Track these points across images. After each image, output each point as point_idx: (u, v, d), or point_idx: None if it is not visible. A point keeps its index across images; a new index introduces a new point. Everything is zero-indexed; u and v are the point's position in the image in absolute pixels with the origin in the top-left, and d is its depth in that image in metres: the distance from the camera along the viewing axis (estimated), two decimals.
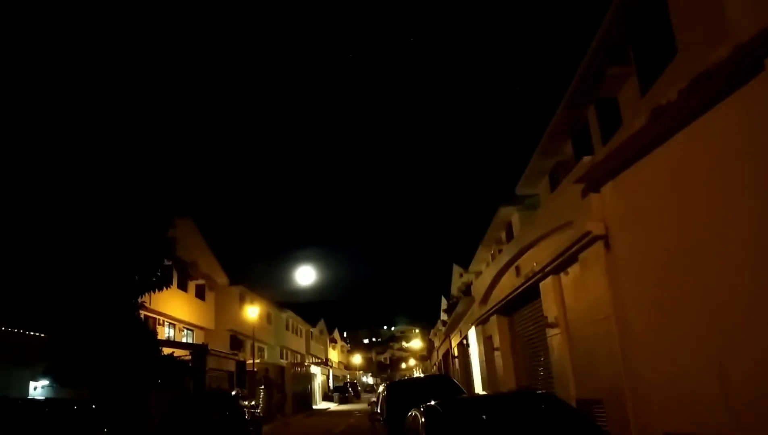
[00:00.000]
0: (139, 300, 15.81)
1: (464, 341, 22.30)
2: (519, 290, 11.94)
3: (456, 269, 46.21)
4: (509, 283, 12.91)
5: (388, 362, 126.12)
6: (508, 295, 12.77)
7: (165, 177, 17.59)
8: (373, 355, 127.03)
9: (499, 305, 13.83)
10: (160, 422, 16.42)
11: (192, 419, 16.91)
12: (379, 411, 12.66)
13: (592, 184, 7.90)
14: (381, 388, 18.01)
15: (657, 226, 6.52)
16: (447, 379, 13.11)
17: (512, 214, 25.53)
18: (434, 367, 52.73)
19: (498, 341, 14.26)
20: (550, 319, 9.98)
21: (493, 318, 14.65)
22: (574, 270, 9.01)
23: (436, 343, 67.62)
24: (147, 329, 17.16)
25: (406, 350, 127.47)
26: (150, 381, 15.93)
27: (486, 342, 16.13)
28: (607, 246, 7.68)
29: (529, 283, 11.02)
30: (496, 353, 14.45)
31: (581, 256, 8.48)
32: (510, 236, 26.59)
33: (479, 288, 16.78)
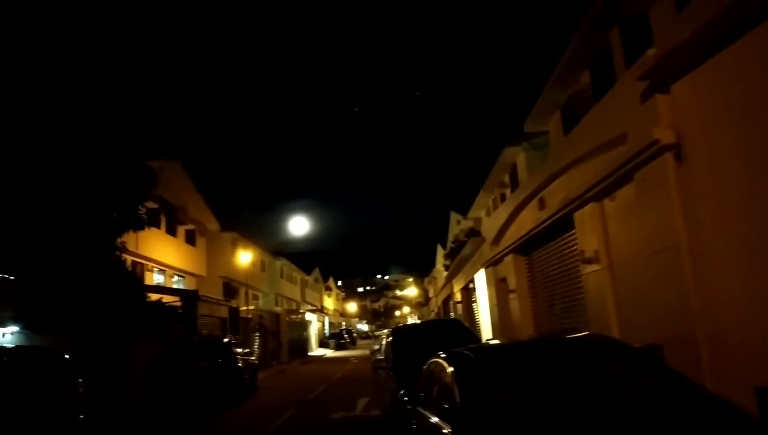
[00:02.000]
0: (120, 240, 14.24)
1: (470, 285, 21.14)
2: (543, 225, 10.58)
3: (454, 216, 44.99)
4: (531, 217, 11.53)
5: (382, 310, 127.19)
6: (529, 232, 11.42)
7: (143, 107, 15.79)
8: (367, 303, 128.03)
9: (516, 244, 12.51)
10: (148, 372, 15.36)
11: (181, 369, 15.84)
12: (383, 358, 11.50)
13: (660, 82, 6.35)
14: (385, 334, 16.93)
15: (754, 133, 5.03)
16: (457, 324, 11.92)
17: (517, 156, 23.83)
18: (432, 314, 52.26)
19: (514, 283, 13.02)
20: (588, 254, 8.63)
21: (509, 258, 13.36)
22: (625, 193, 7.58)
23: (431, 292, 67.52)
24: (129, 273, 15.72)
25: (400, 298, 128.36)
26: (134, 328, 14.66)
27: (498, 285, 14.91)
28: (679, 159, 6.21)
29: (559, 214, 9.62)
30: (511, 296, 13.23)
31: (639, 174, 7.02)
32: (514, 179, 25.07)
33: (491, 227, 15.46)
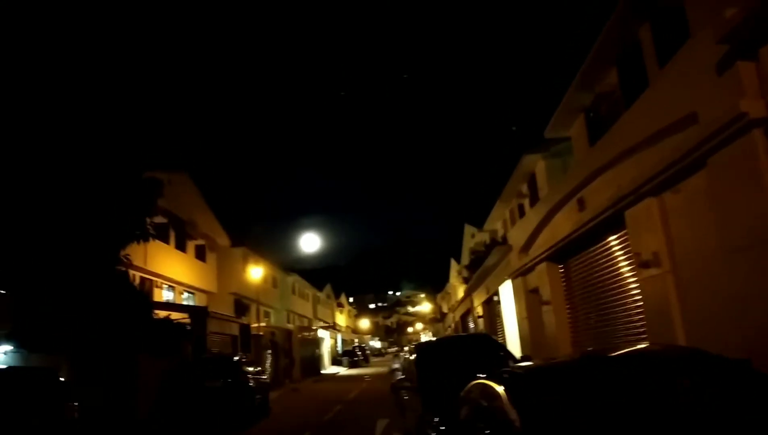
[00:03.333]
0: (123, 253, 13.29)
1: (494, 298, 19.97)
2: (584, 228, 9.55)
3: (468, 229, 43.87)
4: (568, 220, 10.50)
5: (394, 326, 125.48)
6: (566, 236, 10.38)
7: (151, 117, 14.99)
8: (379, 319, 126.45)
9: (550, 250, 11.47)
10: (155, 391, 14.41)
11: (189, 388, 14.87)
12: (404, 377, 10.45)
13: (743, 46, 5.38)
14: (406, 351, 15.84)
15: None
16: (486, 339, 10.85)
17: (537, 164, 22.73)
18: (448, 330, 50.84)
19: (548, 293, 11.93)
20: (645, 257, 7.58)
21: (541, 267, 12.30)
22: (693, 183, 6.57)
23: (445, 307, 66.08)
24: (134, 287, 14.81)
25: (412, 314, 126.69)
26: (140, 346, 13.73)
27: (528, 296, 13.81)
28: None
29: (605, 214, 8.60)
30: (545, 308, 12.13)
31: (714, 158, 6.00)
32: (533, 189, 23.99)
33: (518, 234, 14.41)
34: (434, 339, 25.23)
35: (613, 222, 8.63)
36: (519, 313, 14.92)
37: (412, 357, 9.64)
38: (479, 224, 37.78)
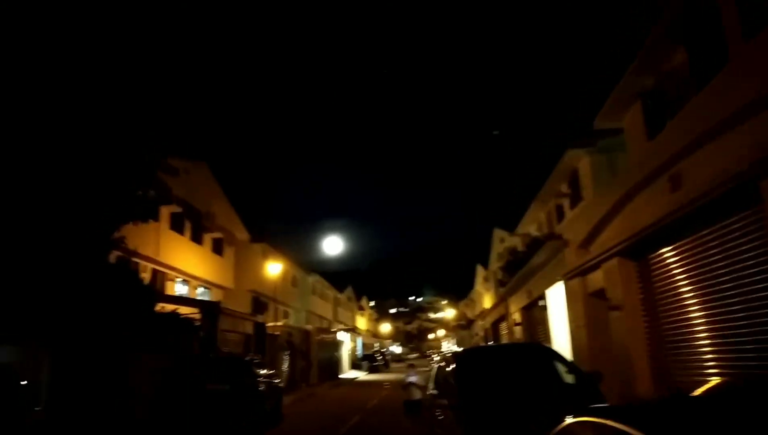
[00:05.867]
0: (118, 235, 11.74)
1: (538, 303, 18.03)
2: (680, 212, 7.63)
3: (497, 233, 42.02)
4: (654, 205, 8.61)
5: (415, 332, 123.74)
6: (652, 225, 8.47)
7: (162, 101, 13.40)
8: (400, 324, 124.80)
9: (625, 244, 9.59)
10: (154, 390, 13.03)
11: (189, 391, 13.41)
12: (436, 392, 8.77)
13: None
14: (437, 359, 13.99)
15: None
16: (543, 350, 9.12)
17: (580, 160, 20.80)
18: (476, 337, 48.81)
19: (619, 296, 10.01)
20: None
21: (611, 264, 10.38)
22: None
23: (469, 313, 63.99)
24: (136, 277, 13.38)
25: (434, 321, 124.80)
26: (138, 340, 12.33)
27: (588, 300, 11.92)
28: None
29: (720, 192, 6.65)
30: (614, 314, 10.24)
31: None
32: (575, 188, 22.00)
33: (576, 228, 12.55)
34: (480, 346, 23.05)
35: (727, 203, 6.76)
36: (574, 320, 13.04)
37: (450, 368, 7.96)
38: (510, 228, 35.86)
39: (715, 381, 6.95)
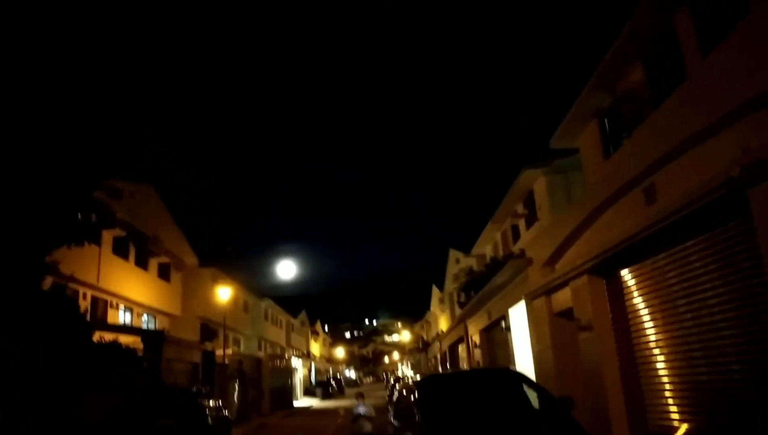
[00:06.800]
0: (50, 259, 10.73)
1: (501, 324, 17.75)
2: (657, 226, 7.40)
3: (453, 254, 42.10)
4: (626, 219, 8.47)
5: (370, 356, 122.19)
6: (625, 240, 8.25)
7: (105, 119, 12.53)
8: (355, 348, 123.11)
9: (595, 260, 9.39)
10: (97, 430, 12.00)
11: (136, 427, 12.52)
12: (397, 423, 8.31)
13: None
14: (399, 388, 13.36)
15: None
16: (512, 375, 8.80)
17: (536, 180, 20.97)
18: (432, 361, 48.32)
19: (588, 316, 9.78)
20: None
21: (580, 282, 10.13)
22: None
23: (425, 336, 63.52)
24: (68, 302, 12.24)
25: (389, 344, 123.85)
26: (75, 377, 11.33)
27: (554, 320, 11.69)
28: None
29: (702, 203, 6.44)
30: (583, 335, 9.99)
31: None
32: (531, 208, 22.09)
33: (541, 244, 12.35)
34: (445, 373, 22.35)
35: (712, 215, 6.55)
36: (538, 342, 12.77)
37: (413, 397, 7.52)
38: (466, 249, 35.88)
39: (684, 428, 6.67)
